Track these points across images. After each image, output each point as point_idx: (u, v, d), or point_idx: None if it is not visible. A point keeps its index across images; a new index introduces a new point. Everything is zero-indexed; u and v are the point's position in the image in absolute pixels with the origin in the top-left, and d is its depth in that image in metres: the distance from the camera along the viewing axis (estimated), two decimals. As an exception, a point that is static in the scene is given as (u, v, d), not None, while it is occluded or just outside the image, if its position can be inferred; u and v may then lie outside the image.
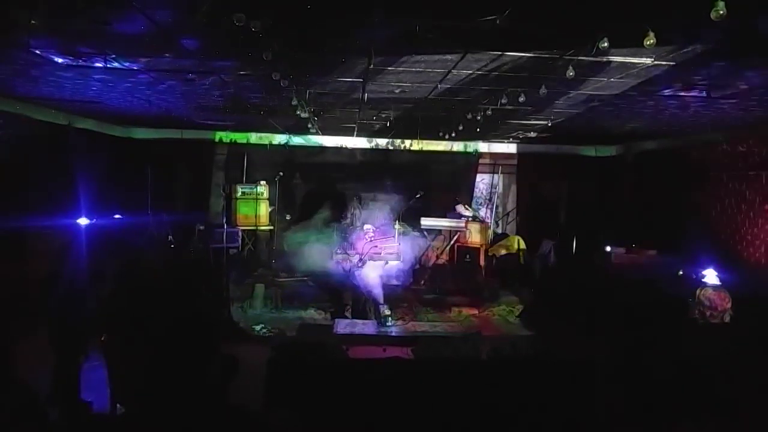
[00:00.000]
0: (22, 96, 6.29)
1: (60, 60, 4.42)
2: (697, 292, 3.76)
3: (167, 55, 4.25)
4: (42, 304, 4.70)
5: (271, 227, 9.85)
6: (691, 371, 3.12)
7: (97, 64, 4.57)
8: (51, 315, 4.51)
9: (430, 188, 9.99)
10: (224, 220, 8.90)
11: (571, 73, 4.06)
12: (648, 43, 3.10)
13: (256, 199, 9.80)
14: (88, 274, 4.56)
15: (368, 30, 3.51)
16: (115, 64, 4.57)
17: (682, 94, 5.19)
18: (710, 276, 6.26)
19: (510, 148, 11.02)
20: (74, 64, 4.54)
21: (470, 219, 10.02)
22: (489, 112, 6.43)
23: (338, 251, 8.93)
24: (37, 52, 4.16)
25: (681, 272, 6.81)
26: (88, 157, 7.77)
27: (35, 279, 5.50)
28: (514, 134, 9.24)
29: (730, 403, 3.04)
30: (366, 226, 9.02)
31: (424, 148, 10.78)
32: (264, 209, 9.88)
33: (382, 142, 10.68)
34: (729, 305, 3.68)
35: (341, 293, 7.73)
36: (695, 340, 3.49)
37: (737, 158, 7.41)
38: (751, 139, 7.12)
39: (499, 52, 4.01)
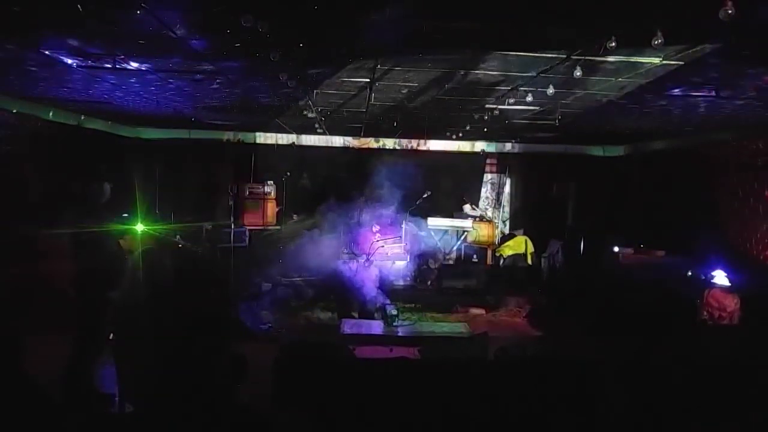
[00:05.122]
0: (31, 96, 6.35)
1: (69, 61, 4.45)
2: (706, 293, 3.75)
3: (176, 55, 4.28)
4: (55, 302, 4.75)
5: (278, 227, 9.87)
6: (699, 372, 3.10)
7: (107, 65, 4.61)
8: (66, 314, 4.57)
9: (437, 188, 9.98)
10: (231, 220, 8.93)
11: (578, 73, 4.05)
12: (656, 42, 3.09)
13: (264, 198, 9.82)
14: (97, 274, 4.60)
15: (375, 30, 3.51)
16: (124, 65, 4.60)
17: (691, 93, 5.15)
18: (719, 277, 6.22)
19: (517, 147, 10.99)
20: (84, 65, 4.57)
21: (477, 219, 10.01)
22: (496, 112, 6.42)
23: (345, 251, 8.95)
24: (47, 53, 4.20)
25: (690, 273, 6.77)
26: (97, 158, 7.83)
27: (44, 278, 5.57)
28: (522, 134, 9.22)
29: (740, 404, 3.02)
30: (373, 226, 9.04)
31: (432, 148, 10.78)
32: (271, 209, 9.90)
33: (390, 142, 10.69)
34: (738, 306, 3.66)
35: (348, 293, 7.73)
36: (704, 341, 3.48)
37: (746, 158, 7.35)
38: (761, 138, 7.06)
39: (507, 52, 4.00)
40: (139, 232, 5.97)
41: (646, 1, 2.91)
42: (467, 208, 10.20)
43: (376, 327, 6.22)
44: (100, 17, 3.33)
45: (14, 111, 6.47)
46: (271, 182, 9.94)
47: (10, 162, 6.68)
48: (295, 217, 10.06)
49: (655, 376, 3.25)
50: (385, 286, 7.97)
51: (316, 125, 8.21)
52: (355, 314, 7.32)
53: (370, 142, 10.68)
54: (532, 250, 9.99)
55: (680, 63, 4.02)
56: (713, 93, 5.07)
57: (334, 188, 9.70)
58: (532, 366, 3.68)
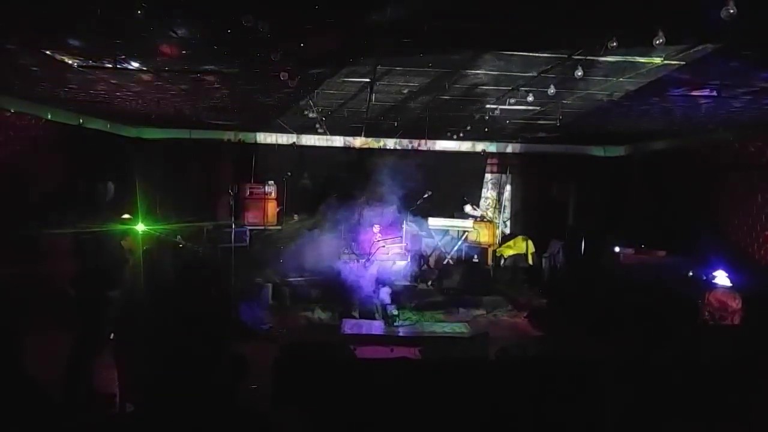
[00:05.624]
0: (31, 96, 6.35)
1: (69, 61, 4.45)
2: (707, 293, 3.74)
3: (176, 55, 4.28)
4: (55, 302, 4.76)
5: (279, 227, 9.88)
6: (701, 372, 3.10)
7: (107, 65, 4.61)
8: (67, 314, 4.57)
9: (438, 188, 9.98)
10: (232, 220, 8.93)
11: (579, 73, 4.04)
12: (657, 42, 3.08)
13: (264, 198, 9.82)
14: (99, 274, 4.61)
15: (375, 30, 3.51)
16: (125, 65, 4.60)
17: (693, 93, 5.15)
18: (721, 277, 6.21)
19: (518, 148, 10.99)
20: (84, 65, 4.57)
21: (478, 219, 10.01)
22: (497, 112, 6.42)
23: (346, 251, 8.95)
24: (47, 53, 4.20)
25: (691, 273, 6.76)
26: (99, 157, 7.83)
27: (46, 278, 5.57)
28: (523, 134, 9.22)
29: (740, 404, 3.02)
30: (374, 226, 9.04)
31: (432, 148, 10.78)
32: (272, 209, 9.91)
33: (390, 142, 10.69)
34: (739, 306, 3.65)
35: (348, 293, 7.74)
36: (705, 341, 3.47)
37: (748, 158, 7.34)
38: (762, 138, 7.05)
39: (508, 52, 4.00)
40: (141, 232, 5.97)
41: (648, 1, 2.91)
42: (468, 208, 10.20)
43: (377, 327, 6.24)
44: (100, 17, 3.33)
45: (13, 111, 6.47)
46: (272, 182, 9.95)
47: (11, 162, 6.68)
48: (295, 217, 10.06)
49: (656, 376, 3.24)
50: (385, 286, 7.97)
51: (317, 125, 8.21)
52: (356, 314, 7.33)
53: (371, 142, 10.68)
54: (533, 250, 9.99)
55: (681, 63, 4.02)
56: (714, 93, 5.06)
57: (334, 188, 9.70)
58: (533, 366, 3.68)
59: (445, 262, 9.67)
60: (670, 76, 4.43)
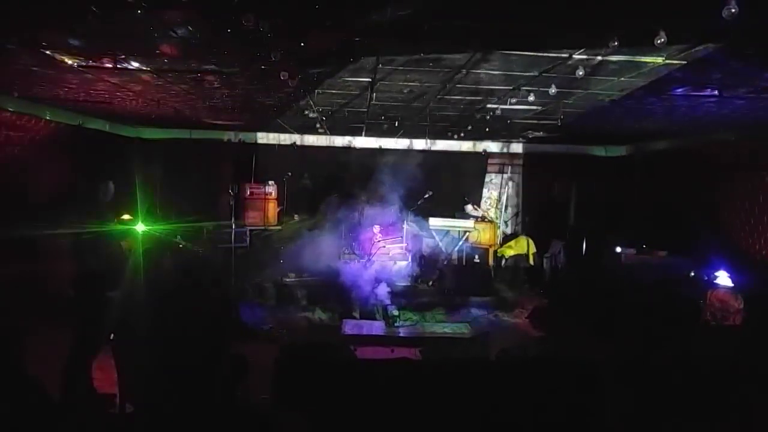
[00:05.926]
0: (31, 96, 6.34)
1: (69, 61, 4.45)
2: (709, 293, 3.73)
3: (176, 55, 4.27)
4: (56, 302, 4.76)
5: (279, 227, 9.87)
6: (702, 373, 3.09)
7: (107, 65, 4.60)
8: (66, 314, 4.57)
9: (438, 188, 9.96)
10: (232, 220, 8.93)
11: (580, 72, 4.03)
12: (659, 42, 3.07)
13: (265, 198, 9.82)
14: (98, 274, 4.61)
15: (376, 30, 3.50)
16: (125, 65, 4.60)
17: (694, 93, 5.14)
18: (722, 277, 6.20)
19: (519, 147, 10.97)
20: (84, 65, 4.57)
21: (479, 219, 10.00)
22: (498, 112, 6.41)
23: (346, 251, 8.95)
24: (47, 53, 4.19)
25: (692, 273, 6.75)
26: (99, 157, 7.83)
27: (46, 278, 5.57)
28: (524, 134, 9.21)
29: (742, 404, 3.01)
30: (374, 226, 9.04)
31: (433, 148, 10.77)
32: (272, 209, 9.90)
33: (391, 141, 10.68)
34: (741, 307, 3.65)
35: (349, 293, 7.73)
36: (707, 342, 3.46)
37: (749, 158, 7.33)
38: (764, 137, 7.03)
39: (509, 52, 3.99)
40: (140, 233, 5.97)
41: (649, 1, 2.89)
42: (469, 208, 10.18)
43: (377, 327, 6.22)
44: (100, 17, 3.33)
45: (13, 111, 6.47)
46: (272, 182, 9.94)
47: (11, 162, 6.68)
48: (296, 217, 10.06)
49: (658, 376, 3.23)
50: (386, 286, 7.96)
51: (317, 125, 8.20)
52: (356, 314, 7.32)
53: (372, 142, 10.68)
54: (534, 250, 9.98)
55: (683, 62, 4.01)
56: (716, 92, 5.05)
57: (335, 188, 9.70)
58: (534, 367, 3.67)
59: (446, 263, 9.65)
60: (672, 75, 4.42)
